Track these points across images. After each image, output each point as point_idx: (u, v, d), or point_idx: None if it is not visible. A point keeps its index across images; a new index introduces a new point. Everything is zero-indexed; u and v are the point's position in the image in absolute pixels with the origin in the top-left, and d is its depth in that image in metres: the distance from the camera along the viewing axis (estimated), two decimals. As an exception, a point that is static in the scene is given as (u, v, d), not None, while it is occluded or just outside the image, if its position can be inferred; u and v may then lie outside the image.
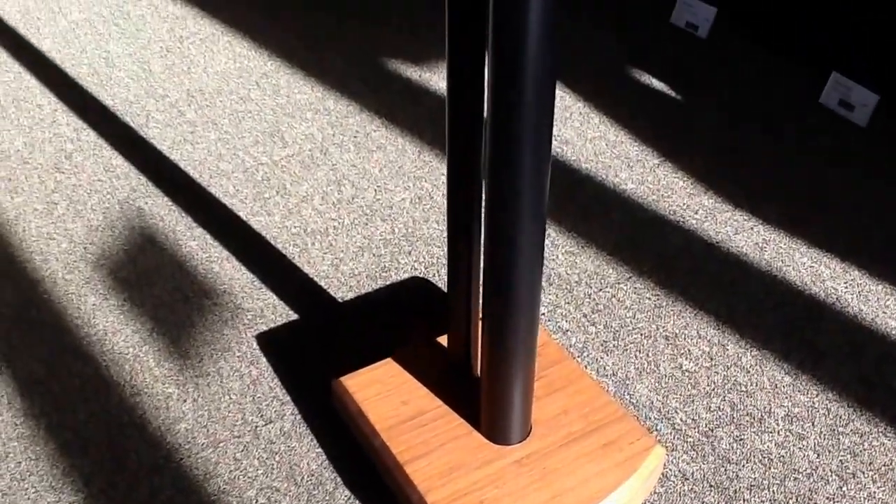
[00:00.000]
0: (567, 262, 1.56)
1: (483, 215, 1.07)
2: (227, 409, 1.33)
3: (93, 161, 1.79)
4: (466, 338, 1.27)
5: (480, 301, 1.15)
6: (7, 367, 1.39)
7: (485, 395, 1.19)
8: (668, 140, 1.85)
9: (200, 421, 1.31)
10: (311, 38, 2.18)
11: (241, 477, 1.25)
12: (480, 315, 1.13)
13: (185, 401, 1.34)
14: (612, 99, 1.96)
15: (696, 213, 1.67)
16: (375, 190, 1.72)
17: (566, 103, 1.95)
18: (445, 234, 1.62)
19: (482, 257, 1.09)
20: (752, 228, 1.63)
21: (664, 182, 1.74)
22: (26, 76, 2.05)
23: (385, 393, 1.25)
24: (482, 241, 1.09)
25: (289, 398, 1.34)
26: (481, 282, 1.11)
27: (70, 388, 1.35)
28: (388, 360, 1.29)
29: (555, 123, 1.88)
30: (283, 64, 2.08)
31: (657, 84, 2.01)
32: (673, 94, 1.98)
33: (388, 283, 1.54)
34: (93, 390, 1.35)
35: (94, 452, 1.27)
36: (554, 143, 1.83)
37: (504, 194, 1.00)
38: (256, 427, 1.31)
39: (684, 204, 1.69)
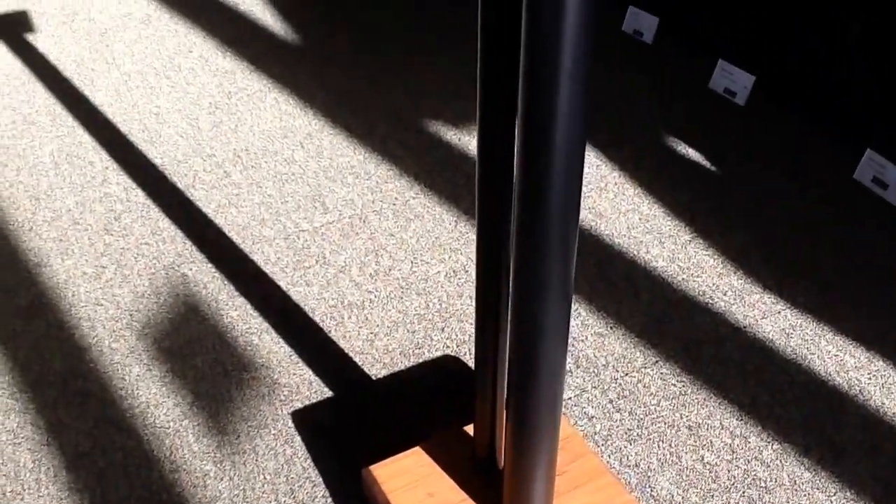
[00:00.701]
0: (596, 344, 1.60)
1: (510, 302, 1.10)
2: (261, 490, 1.39)
3: (140, 223, 1.86)
4: (492, 429, 1.31)
5: (505, 391, 1.19)
6: (54, 439, 1.46)
7: (507, 490, 1.23)
8: (701, 215, 1.87)
9: (236, 501, 1.37)
10: (356, 98, 2.24)
11: (272, 560, 1.31)
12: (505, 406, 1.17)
13: (221, 479, 1.40)
14: (648, 168, 1.99)
15: (725, 294, 1.69)
16: (412, 262, 1.77)
17: (602, 172, 1.98)
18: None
19: (508, 348, 1.13)
20: (779, 313, 1.65)
21: (695, 260, 1.76)
22: (79, 131, 2.13)
23: (412, 484, 1.30)
24: (508, 331, 1.13)
25: (321, 480, 1.40)
26: (506, 371, 1.16)
27: (113, 463, 1.42)
28: (417, 449, 1.34)
29: (590, 194, 1.91)
30: (327, 124, 2.14)
31: (693, 154, 2.03)
32: (708, 164, 2.01)
33: (420, 360, 1.58)
34: (134, 465, 1.42)
35: (135, 529, 1.34)
36: (588, 215, 1.87)
37: (530, 277, 1.01)
38: (289, 508, 1.37)
39: (713, 284, 1.71)
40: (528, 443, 1.16)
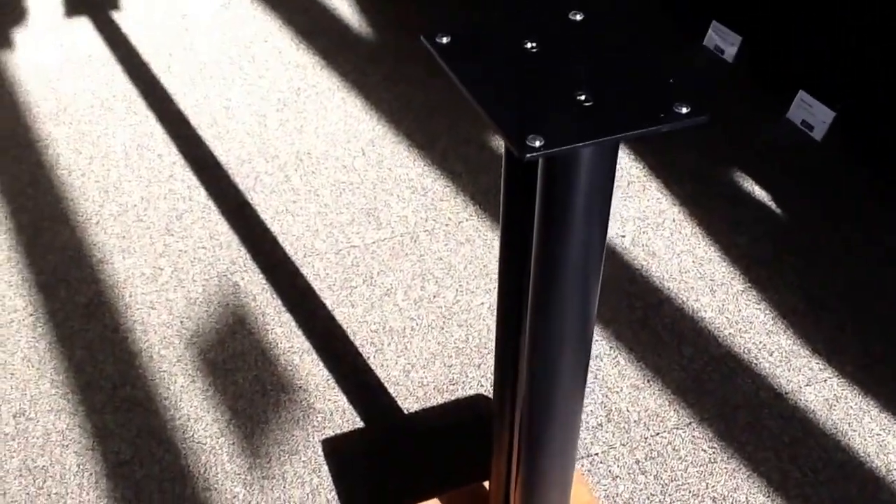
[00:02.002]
0: (630, 397, 1.59)
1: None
2: (285, 518, 1.44)
3: (200, 225, 1.91)
4: (507, 487, 1.33)
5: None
6: (99, 445, 1.54)
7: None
8: (757, 264, 1.82)
9: (260, 527, 1.43)
10: (422, 106, 2.23)
11: (288, 592, 1.36)
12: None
13: (249, 503, 1.46)
14: (709, 206, 1.94)
15: (771, 354, 1.65)
16: (457, 290, 1.78)
17: (661, 207, 1.94)
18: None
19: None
20: (825, 381, 1.61)
21: (745, 313, 1.72)
22: (152, 121, 2.19)
23: (426, 537, 1.33)
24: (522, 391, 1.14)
25: (342, 514, 1.44)
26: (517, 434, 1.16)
27: (150, 475, 1.49)
28: (434, 500, 1.37)
29: (646, 230, 1.88)
30: (390, 131, 2.14)
31: (759, 192, 1.97)
32: (773, 205, 1.94)
33: (453, 397, 1.60)
34: (169, 479, 1.49)
35: (163, 546, 1.41)
36: (641, 253, 1.84)
37: (544, 351, 1.02)
38: (309, 541, 1.42)
39: (760, 342, 1.67)
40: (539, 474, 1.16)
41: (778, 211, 1.94)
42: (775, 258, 1.83)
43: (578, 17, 0.92)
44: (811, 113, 2.09)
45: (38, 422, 1.56)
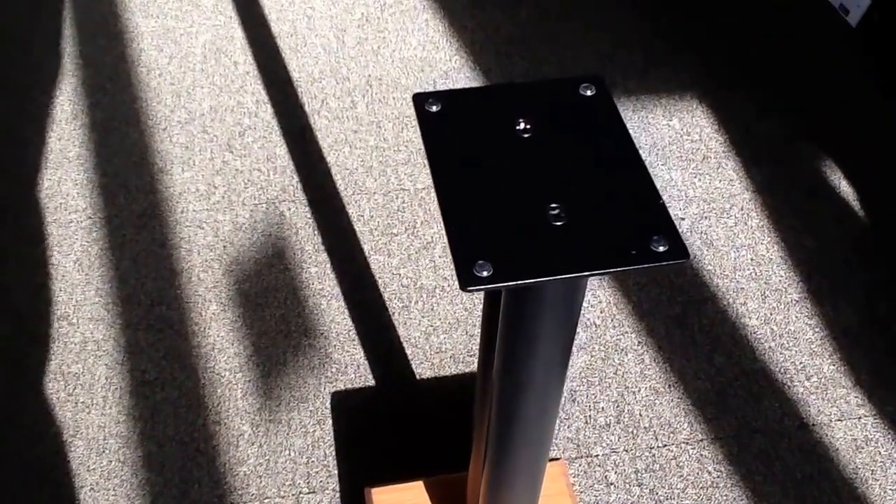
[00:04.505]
0: (646, 401, 1.54)
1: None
2: (282, 465, 1.49)
3: (260, 145, 1.92)
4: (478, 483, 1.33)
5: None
6: (128, 361, 1.62)
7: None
8: (822, 272, 1.69)
9: (258, 470, 1.49)
10: (504, 42, 2.11)
11: (271, 539, 1.43)
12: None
13: (252, 443, 1.52)
14: (785, 196, 1.80)
15: (809, 378, 1.56)
16: (496, 253, 1.73)
17: (732, 190, 1.81)
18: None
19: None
20: (859, 418, 1.51)
21: (792, 328, 1.62)
22: (234, 24, 2.17)
23: (402, 518, 1.35)
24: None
25: (336, 472, 1.48)
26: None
27: (168, 399, 1.57)
28: (419, 483, 1.38)
29: (708, 215, 1.77)
30: (466, 64, 2.06)
31: (845, 188, 1.80)
32: (857, 205, 1.78)
33: (468, 369, 1.59)
34: (185, 407, 1.56)
35: (167, 472, 1.49)
36: (697, 241, 1.73)
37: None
38: (300, 493, 1.47)
39: (801, 364, 1.57)
40: None
41: (861, 213, 1.78)
42: (844, 268, 1.70)
43: (589, 93, 0.82)
44: (929, 103, 1.88)
45: (78, 328, 1.65)
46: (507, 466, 1.06)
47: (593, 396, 1.54)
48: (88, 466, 1.47)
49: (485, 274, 0.70)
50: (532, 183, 0.75)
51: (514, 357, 0.86)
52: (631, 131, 1.92)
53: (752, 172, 1.84)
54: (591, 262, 0.71)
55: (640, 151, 1.88)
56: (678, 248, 0.71)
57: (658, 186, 1.82)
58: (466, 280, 0.70)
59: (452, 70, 2.05)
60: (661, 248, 0.71)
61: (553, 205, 0.73)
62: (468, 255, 0.71)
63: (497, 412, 0.97)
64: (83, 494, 1.45)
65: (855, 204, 1.80)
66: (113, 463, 1.50)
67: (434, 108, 0.81)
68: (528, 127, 0.78)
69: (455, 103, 0.81)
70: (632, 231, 0.72)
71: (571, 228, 0.72)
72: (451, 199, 0.75)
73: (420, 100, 0.81)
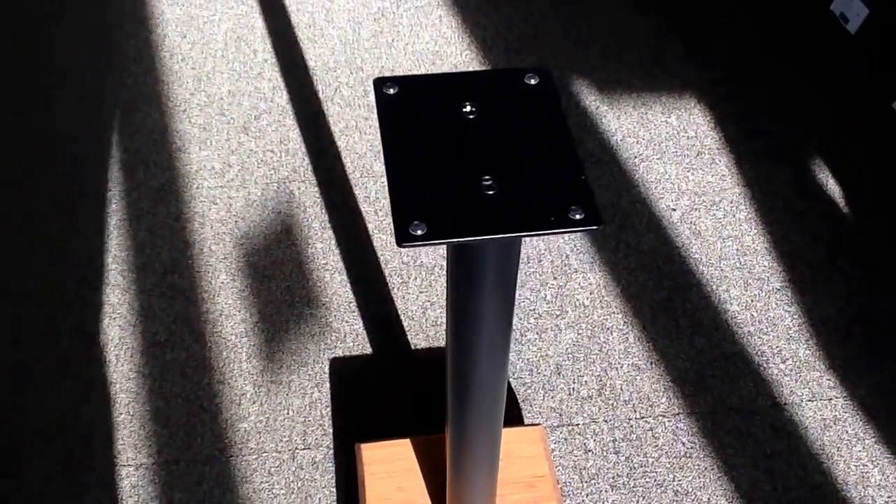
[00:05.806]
0: (627, 377, 1.62)
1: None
2: (281, 423, 1.58)
3: (274, 128, 2.02)
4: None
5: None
6: (141, 323, 1.72)
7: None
8: (805, 263, 1.76)
9: (258, 426, 1.58)
10: (516, 39, 2.20)
11: (266, 490, 1.52)
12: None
13: (254, 402, 1.61)
14: (776, 193, 1.87)
15: (785, 362, 1.63)
16: (492, 236, 1.82)
17: (724, 184, 1.89)
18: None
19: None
20: (829, 400, 1.58)
21: (772, 314, 1.69)
22: (255, 13, 2.27)
23: (389, 473, 1.44)
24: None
25: (330, 431, 1.57)
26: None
27: (177, 360, 1.66)
28: (407, 441, 1.47)
29: (698, 207, 1.84)
30: (476, 59, 2.15)
31: (832, 187, 1.87)
32: (844, 204, 1.85)
33: (460, 341, 1.68)
34: (192, 367, 1.66)
35: (173, 426, 1.59)
36: (686, 231, 1.81)
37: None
38: (296, 449, 1.56)
39: (777, 347, 1.65)
40: (463, 470, 1.23)
41: (846, 211, 1.85)
42: (827, 262, 1.77)
43: (533, 82, 0.90)
44: (918, 108, 1.95)
45: (96, 291, 1.76)
46: (462, 425, 1.14)
47: (578, 371, 1.62)
48: (100, 418, 1.57)
49: (419, 233, 0.78)
50: (470, 158, 0.84)
51: (458, 318, 0.95)
52: (631, 126, 2.00)
53: (744, 169, 1.92)
54: (513, 225, 0.79)
55: (638, 145, 1.96)
56: (593, 216, 0.79)
57: (653, 179, 1.90)
58: (403, 237, 0.78)
59: (462, 64, 2.14)
60: (578, 216, 0.79)
61: (486, 177, 0.82)
62: (406, 216, 0.79)
63: (451, 373, 1.05)
64: (95, 444, 1.55)
65: (841, 202, 1.87)
66: (123, 416, 1.60)
67: (391, 91, 0.89)
68: (474, 110, 0.87)
69: (411, 87, 0.90)
70: (554, 201, 0.80)
71: (500, 197, 0.81)
72: (397, 169, 0.84)
73: (379, 83, 0.90)
